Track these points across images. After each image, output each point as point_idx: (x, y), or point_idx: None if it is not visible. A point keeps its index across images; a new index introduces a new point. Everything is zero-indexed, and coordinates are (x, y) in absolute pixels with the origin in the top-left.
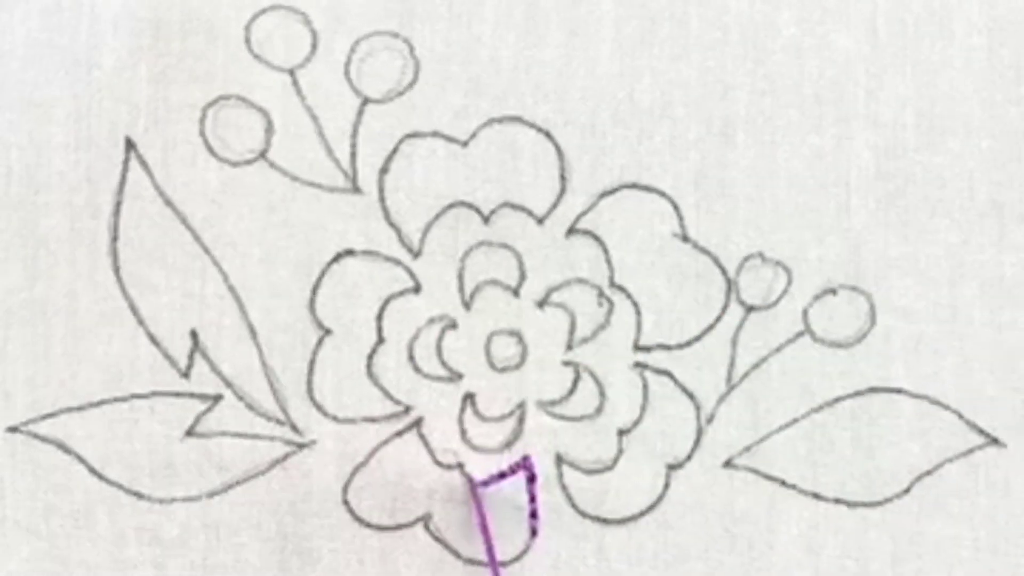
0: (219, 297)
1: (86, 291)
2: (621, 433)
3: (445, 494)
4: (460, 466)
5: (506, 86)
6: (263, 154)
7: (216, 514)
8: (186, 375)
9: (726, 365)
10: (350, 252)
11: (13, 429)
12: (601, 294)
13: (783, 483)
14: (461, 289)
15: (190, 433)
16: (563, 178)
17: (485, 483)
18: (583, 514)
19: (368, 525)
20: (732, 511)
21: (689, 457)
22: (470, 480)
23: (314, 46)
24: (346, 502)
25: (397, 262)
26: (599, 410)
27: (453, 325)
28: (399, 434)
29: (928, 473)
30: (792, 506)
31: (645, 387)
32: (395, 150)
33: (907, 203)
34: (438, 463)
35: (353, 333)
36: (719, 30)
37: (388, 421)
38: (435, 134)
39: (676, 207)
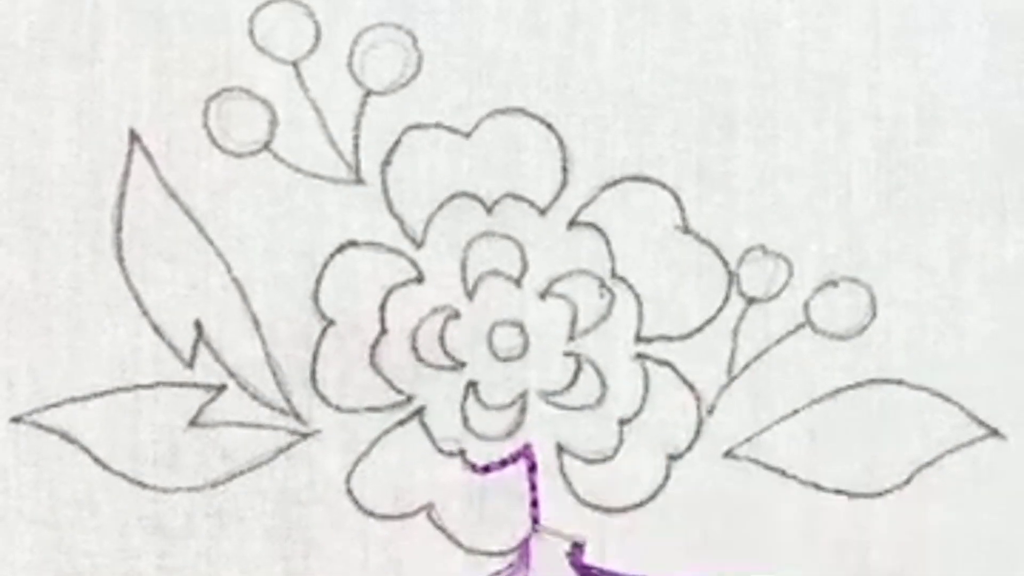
0: (223, 288)
1: (90, 282)
2: (622, 423)
3: (447, 483)
4: (462, 454)
5: (508, 78)
6: (266, 146)
7: (220, 503)
8: (190, 365)
9: (727, 356)
10: (353, 243)
11: (17, 419)
12: (603, 285)
13: (783, 474)
14: (464, 279)
15: (194, 423)
16: (565, 170)
17: (487, 469)
18: (584, 503)
19: (371, 514)
20: (732, 501)
21: (690, 447)
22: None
23: (317, 38)
24: (349, 491)
25: (400, 253)
26: (600, 400)
27: (456, 315)
28: (401, 423)
29: (928, 464)
30: (792, 497)
31: (646, 378)
32: (398, 142)
33: (908, 195)
34: (440, 452)
35: (356, 323)
36: (720, 23)
37: (390, 410)
38: (438, 125)
39: (677, 199)
